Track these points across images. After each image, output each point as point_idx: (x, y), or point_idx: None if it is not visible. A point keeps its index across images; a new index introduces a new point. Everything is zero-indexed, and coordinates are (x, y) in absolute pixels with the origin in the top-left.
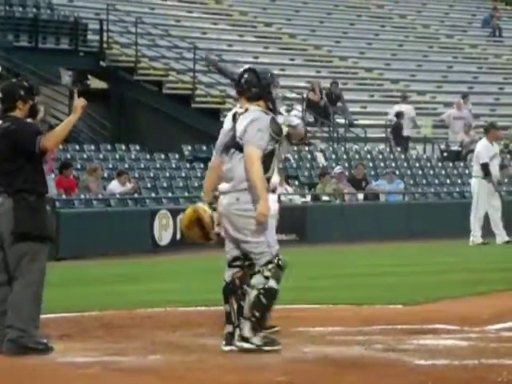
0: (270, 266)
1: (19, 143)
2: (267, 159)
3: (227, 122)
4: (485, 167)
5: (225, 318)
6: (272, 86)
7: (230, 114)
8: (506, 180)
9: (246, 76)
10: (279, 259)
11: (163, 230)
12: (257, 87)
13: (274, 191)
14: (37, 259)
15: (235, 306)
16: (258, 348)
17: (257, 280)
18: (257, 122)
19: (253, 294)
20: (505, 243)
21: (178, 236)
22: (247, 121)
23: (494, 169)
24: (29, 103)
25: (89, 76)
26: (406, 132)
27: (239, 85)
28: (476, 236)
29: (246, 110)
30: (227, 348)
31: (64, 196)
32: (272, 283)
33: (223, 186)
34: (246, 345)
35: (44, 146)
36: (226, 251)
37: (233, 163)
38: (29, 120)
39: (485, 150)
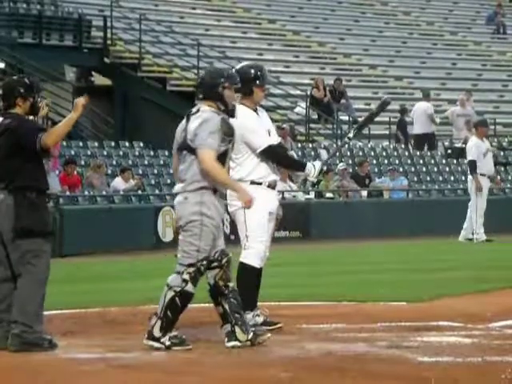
0: (190, 270)
1: (20, 140)
2: (220, 159)
3: (182, 122)
4: (471, 164)
5: (220, 319)
6: (220, 87)
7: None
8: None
9: (201, 75)
10: (202, 264)
11: (167, 227)
12: (204, 87)
13: (273, 188)
14: (40, 255)
15: (227, 306)
16: (167, 348)
17: (175, 280)
18: (206, 123)
19: (169, 295)
20: (467, 240)
21: None
22: (197, 122)
23: (488, 165)
24: (29, 100)
25: (93, 72)
26: (418, 129)
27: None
28: (480, 233)
29: (198, 110)
30: (230, 344)
31: (68, 193)
32: (189, 287)
33: (177, 187)
34: (156, 344)
35: (45, 143)
36: None
37: (185, 165)
38: (30, 117)
39: (474, 147)
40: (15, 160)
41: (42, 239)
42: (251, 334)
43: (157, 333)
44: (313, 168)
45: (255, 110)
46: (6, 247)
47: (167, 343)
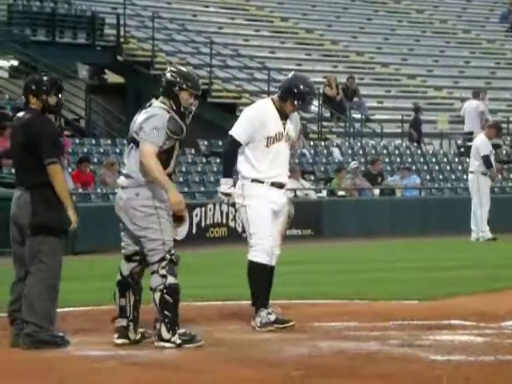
0: (163, 263)
1: (36, 145)
2: (166, 156)
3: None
4: (486, 159)
5: (118, 312)
6: (177, 87)
7: None
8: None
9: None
10: (172, 254)
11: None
12: (164, 82)
13: (281, 187)
14: (52, 253)
15: (132, 300)
16: (178, 346)
17: (155, 281)
18: (153, 118)
19: (157, 296)
20: (475, 240)
21: (194, 230)
22: (144, 117)
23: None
24: (40, 99)
25: (105, 70)
26: (469, 127)
27: None
28: (485, 231)
29: (150, 105)
30: (120, 341)
31: (80, 190)
32: (171, 279)
33: (122, 180)
34: (166, 345)
35: (49, 169)
36: (123, 245)
37: (130, 158)
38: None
39: (483, 144)
40: (32, 157)
41: (56, 237)
42: (176, 336)
43: (165, 335)
44: (224, 185)
45: (284, 111)
46: (24, 244)
47: (178, 341)
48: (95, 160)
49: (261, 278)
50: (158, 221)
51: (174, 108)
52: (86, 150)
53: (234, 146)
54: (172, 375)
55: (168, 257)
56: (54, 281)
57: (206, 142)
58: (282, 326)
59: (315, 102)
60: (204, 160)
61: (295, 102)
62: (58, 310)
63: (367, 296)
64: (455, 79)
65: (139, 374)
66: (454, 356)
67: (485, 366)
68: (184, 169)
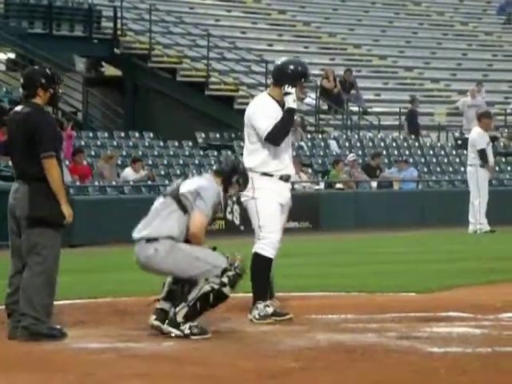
0: (229, 273)
1: (35, 139)
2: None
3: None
4: (482, 153)
5: (164, 295)
6: (234, 179)
7: None
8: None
9: (223, 162)
10: (236, 267)
11: None
12: (226, 169)
13: (287, 180)
14: (49, 246)
15: (185, 289)
16: (185, 336)
17: (214, 279)
18: (212, 192)
19: (205, 288)
20: (473, 233)
21: None
22: (201, 185)
23: (490, 156)
24: (49, 92)
25: (103, 63)
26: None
27: None
28: (483, 223)
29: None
30: (156, 323)
31: (78, 183)
32: (227, 290)
33: (142, 236)
34: (174, 331)
35: (44, 162)
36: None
37: (170, 218)
38: (48, 109)
39: (480, 137)
40: (30, 150)
41: (53, 230)
42: (187, 325)
43: (179, 318)
44: (289, 97)
45: (282, 101)
46: (21, 237)
47: (186, 331)
48: (92, 153)
49: (263, 272)
50: (183, 253)
51: (222, 189)
52: (83, 142)
53: (273, 127)
54: (170, 367)
55: (232, 269)
56: (52, 273)
57: (203, 135)
58: (279, 318)
59: (312, 95)
60: (201, 152)
61: (290, 86)
62: (56, 302)
63: (365, 288)
64: (452, 71)
65: (138, 367)
66: (452, 348)
67: (482, 357)
68: (181, 161)
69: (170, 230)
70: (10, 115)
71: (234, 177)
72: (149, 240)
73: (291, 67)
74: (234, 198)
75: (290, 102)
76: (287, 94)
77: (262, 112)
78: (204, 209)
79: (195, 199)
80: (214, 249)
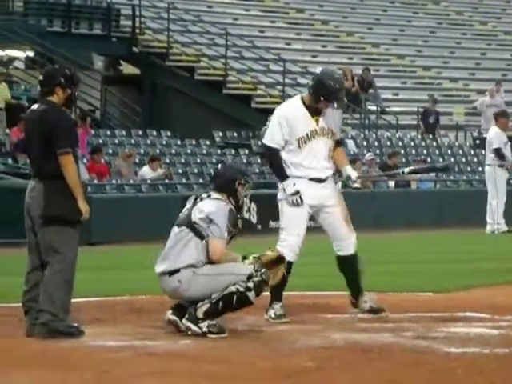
0: (255, 279)
1: (52, 136)
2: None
3: (188, 206)
4: (498, 152)
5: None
6: (237, 183)
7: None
8: None
9: (218, 168)
10: (262, 274)
11: None
12: (224, 183)
13: (320, 181)
14: (68, 244)
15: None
16: (203, 333)
17: (241, 283)
18: (223, 213)
19: (230, 288)
20: (491, 233)
21: None
22: (212, 210)
23: (508, 155)
24: (67, 92)
25: (121, 61)
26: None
27: None
28: (501, 224)
29: (209, 195)
30: (173, 317)
31: (96, 181)
32: (251, 295)
33: (165, 267)
34: (193, 327)
35: (61, 159)
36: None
37: (188, 247)
38: (64, 109)
39: (497, 136)
40: (46, 148)
41: (70, 227)
42: (206, 323)
43: (200, 314)
44: (290, 185)
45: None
46: (37, 235)
47: (204, 329)
48: (110, 151)
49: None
50: (206, 276)
51: (233, 203)
52: (101, 140)
53: (276, 151)
54: (186, 366)
55: (258, 275)
56: (71, 271)
57: (220, 134)
58: (376, 315)
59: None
60: (219, 151)
61: (325, 99)
62: (73, 300)
63: (381, 288)
64: (471, 71)
65: (154, 365)
66: (469, 348)
67: (499, 358)
68: (199, 160)
69: (189, 259)
70: (27, 113)
71: (235, 184)
72: (171, 273)
73: (330, 83)
74: (247, 198)
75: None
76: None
77: (278, 121)
78: (219, 234)
79: (208, 225)
80: (244, 258)
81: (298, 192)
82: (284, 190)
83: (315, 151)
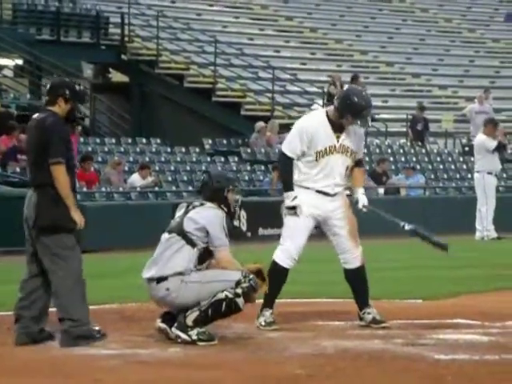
0: (244, 285)
1: (43, 145)
2: (209, 253)
3: (179, 213)
4: (497, 148)
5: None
6: (226, 190)
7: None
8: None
9: (204, 178)
10: (250, 279)
11: None
12: (211, 193)
13: (328, 194)
14: (67, 249)
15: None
16: (192, 341)
17: (229, 290)
18: (220, 221)
19: (219, 295)
20: (480, 239)
21: None
22: (209, 220)
23: (495, 162)
24: (69, 104)
25: (110, 69)
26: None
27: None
28: (490, 230)
29: (202, 204)
30: (163, 325)
31: (85, 189)
32: (240, 302)
33: (153, 272)
34: (182, 335)
35: (52, 169)
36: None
37: (180, 254)
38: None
39: (486, 141)
40: (41, 156)
41: (65, 234)
42: (195, 330)
43: (189, 322)
44: (291, 197)
45: (339, 123)
46: (35, 244)
47: (194, 337)
48: (100, 159)
49: (276, 280)
50: (194, 284)
51: (225, 210)
52: (90, 148)
53: (289, 161)
54: (176, 374)
55: (247, 281)
56: (78, 274)
57: (210, 141)
58: (376, 325)
59: (319, 101)
60: (208, 159)
61: (350, 117)
62: None
63: (371, 295)
64: (460, 78)
65: (145, 373)
66: (459, 355)
67: (489, 365)
68: (188, 167)
69: (177, 266)
70: (29, 122)
71: (223, 192)
72: (158, 281)
73: (357, 100)
74: (239, 203)
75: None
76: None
77: (299, 132)
78: (222, 243)
79: (206, 236)
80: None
81: (294, 207)
82: (283, 201)
83: (331, 167)
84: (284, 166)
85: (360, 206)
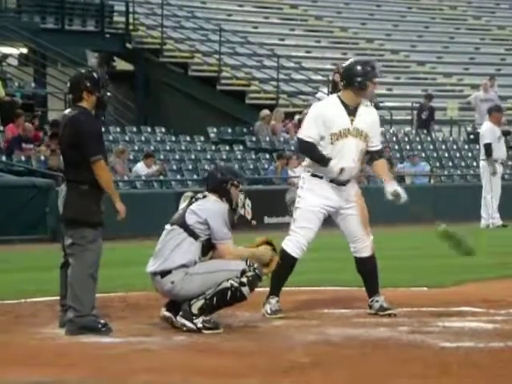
0: (249, 274)
1: (76, 142)
2: (208, 246)
3: (182, 205)
4: (487, 147)
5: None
6: (229, 184)
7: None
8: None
9: (211, 170)
10: (255, 269)
11: None
12: (215, 184)
13: (341, 184)
14: (87, 243)
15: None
16: (197, 329)
17: (235, 279)
18: (221, 214)
19: (225, 284)
20: (486, 227)
21: None
22: (210, 213)
23: (501, 150)
24: (94, 95)
25: (114, 58)
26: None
27: None
28: (495, 218)
29: (205, 196)
30: (167, 314)
31: None
32: (245, 290)
33: (157, 266)
34: (187, 323)
35: (94, 167)
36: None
37: (182, 247)
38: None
39: (489, 131)
40: (74, 153)
41: (91, 229)
42: (201, 319)
43: (194, 310)
44: (334, 166)
45: (353, 106)
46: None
47: (199, 325)
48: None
49: (283, 267)
50: (198, 275)
51: (228, 204)
52: None
53: (310, 143)
54: (181, 361)
55: (252, 270)
56: (92, 269)
57: (215, 130)
58: (382, 313)
59: (324, 89)
60: (213, 147)
61: (356, 84)
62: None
63: None
64: (465, 66)
65: (149, 361)
66: (464, 343)
67: (494, 352)
68: (193, 156)
69: (181, 259)
70: (60, 118)
71: (227, 185)
72: (162, 274)
73: (358, 68)
74: (242, 201)
75: (334, 170)
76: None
77: (316, 116)
78: (224, 237)
79: (207, 228)
80: (257, 245)
81: (343, 169)
82: (302, 187)
83: (345, 150)
84: (308, 150)
85: (402, 200)
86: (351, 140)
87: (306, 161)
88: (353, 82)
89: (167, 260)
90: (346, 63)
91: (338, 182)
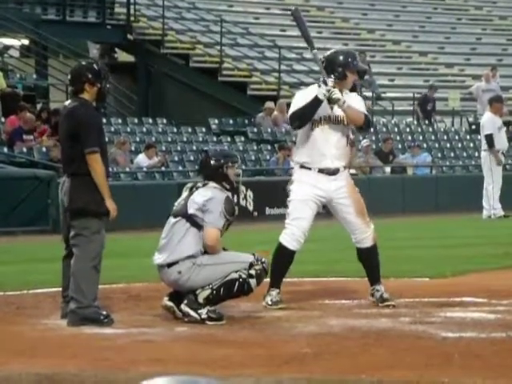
0: (257, 267)
1: (76, 134)
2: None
3: (183, 195)
4: (489, 138)
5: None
6: (224, 167)
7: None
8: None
9: (202, 158)
10: (263, 262)
11: None
12: (211, 171)
13: (331, 173)
14: (92, 234)
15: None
16: (201, 320)
17: (243, 271)
18: (216, 201)
19: (233, 275)
20: (487, 218)
21: None
22: (206, 199)
23: (502, 140)
24: (96, 86)
25: (116, 49)
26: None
27: None
28: (497, 209)
29: (204, 185)
30: (169, 303)
31: None
32: (253, 283)
33: (163, 258)
34: (191, 313)
35: (88, 158)
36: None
37: (186, 237)
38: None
39: (490, 121)
40: (75, 145)
41: (94, 219)
42: (206, 309)
43: (201, 299)
44: (322, 87)
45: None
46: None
47: (203, 316)
48: (106, 139)
49: (281, 260)
50: (206, 266)
51: (228, 187)
52: None
53: (297, 109)
54: (183, 352)
55: (260, 264)
56: (96, 259)
57: (216, 121)
58: (382, 304)
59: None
60: (215, 138)
61: (336, 75)
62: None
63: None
64: (467, 56)
65: (151, 352)
66: (466, 333)
67: (496, 343)
68: (195, 147)
69: (188, 250)
70: (60, 110)
71: (223, 170)
72: (169, 265)
73: (340, 58)
74: (241, 177)
75: (321, 91)
76: (324, 82)
77: (301, 95)
78: (213, 221)
79: (204, 214)
80: None
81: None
82: (293, 180)
83: (327, 137)
84: (299, 113)
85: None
86: (332, 126)
87: (295, 154)
88: (333, 72)
89: (174, 252)
90: (328, 53)
91: (328, 172)
